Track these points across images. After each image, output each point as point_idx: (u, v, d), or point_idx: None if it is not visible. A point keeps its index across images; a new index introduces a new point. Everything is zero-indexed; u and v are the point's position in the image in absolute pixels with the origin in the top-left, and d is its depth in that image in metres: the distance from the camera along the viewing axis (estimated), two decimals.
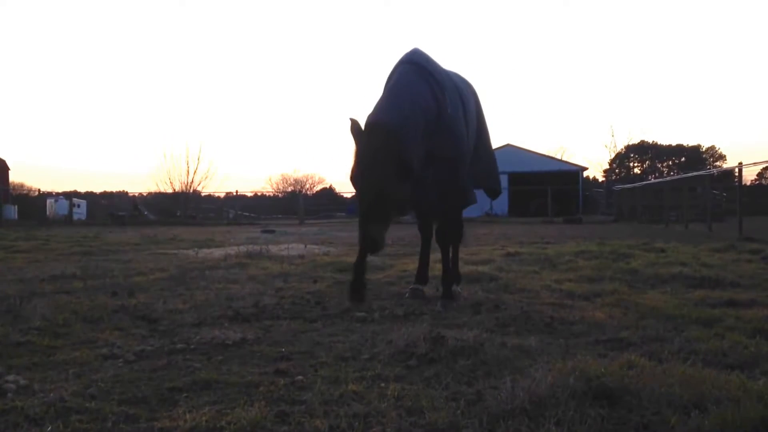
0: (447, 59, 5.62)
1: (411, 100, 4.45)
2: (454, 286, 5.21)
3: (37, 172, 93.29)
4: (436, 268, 5.94)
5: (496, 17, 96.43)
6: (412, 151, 4.27)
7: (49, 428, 2.15)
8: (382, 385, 2.66)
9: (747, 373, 2.76)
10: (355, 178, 4.34)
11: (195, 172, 41.26)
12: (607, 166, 63.28)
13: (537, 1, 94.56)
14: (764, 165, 21.31)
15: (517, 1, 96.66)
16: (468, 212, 6.68)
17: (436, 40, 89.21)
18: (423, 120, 4.45)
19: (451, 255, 5.46)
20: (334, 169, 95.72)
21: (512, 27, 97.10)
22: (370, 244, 4.28)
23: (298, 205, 35.86)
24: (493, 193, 5.93)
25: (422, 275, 5.45)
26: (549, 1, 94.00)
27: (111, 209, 40.56)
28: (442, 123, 4.62)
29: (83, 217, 37.35)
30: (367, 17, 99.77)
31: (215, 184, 66.94)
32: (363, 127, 4.31)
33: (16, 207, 37.72)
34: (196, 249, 11.11)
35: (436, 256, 5.49)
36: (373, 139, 4.22)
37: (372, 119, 4.34)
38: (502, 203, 38.68)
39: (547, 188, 36.07)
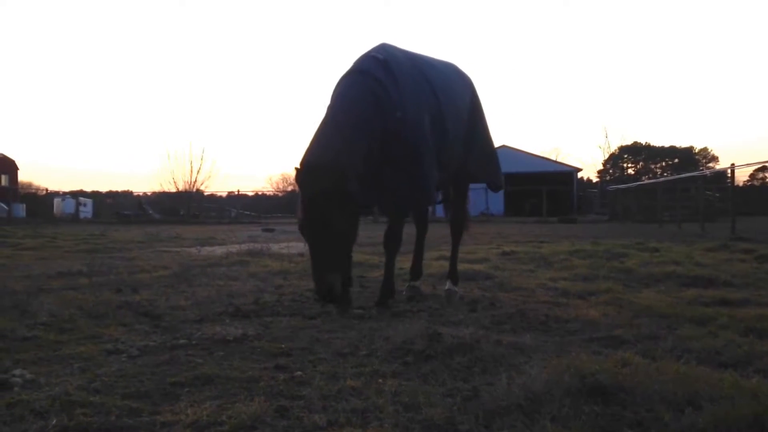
0: (443, 58, 5.58)
1: (347, 126, 4.31)
2: (450, 284, 5.25)
3: (45, 172, 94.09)
4: (432, 265, 6.00)
5: (492, 18, 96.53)
6: (351, 180, 4.13)
7: (54, 421, 2.16)
8: (380, 380, 2.67)
9: (740, 371, 2.76)
10: (302, 227, 4.25)
11: (198, 171, 41.18)
12: (601, 167, 62.95)
13: (531, 3, 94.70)
14: (756, 166, 21.43)
15: (512, 2, 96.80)
16: None
17: (432, 40, 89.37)
18: (365, 139, 4.35)
19: (450, 253, 5.50)
20: None
21: (507, 28, 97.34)
22: (323, 292, 4.03)
23: (298, 204, 35.71)
24: (494, 186, 5.86)
25: (416, 270, 5.43)
26: (543, 2, 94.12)
27: (116, 208, 40.69)
28: (390, 127, 4.48)
29: (89, 215, 37.55)
30: (367, 16, 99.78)
31: (217, 183, 67.21)
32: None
33: (25, 205, 37.88)
34: (198, 247, 11.19)
35: (430, 254, 5.52)
36: (308, 185, 4.13)
37: (305, 159, 4.22)
38: (497, 203, 38.74)
39: (542, 189, 36.07)
